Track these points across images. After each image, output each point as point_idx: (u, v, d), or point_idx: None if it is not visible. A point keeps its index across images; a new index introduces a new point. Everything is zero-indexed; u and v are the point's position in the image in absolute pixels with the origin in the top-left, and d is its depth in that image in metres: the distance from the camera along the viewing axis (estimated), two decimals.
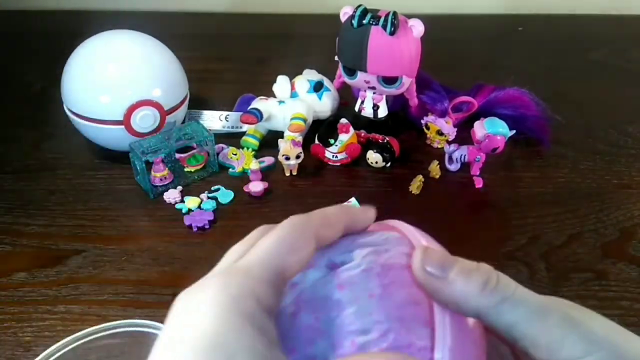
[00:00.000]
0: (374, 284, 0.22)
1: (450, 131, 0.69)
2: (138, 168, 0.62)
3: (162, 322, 0.27)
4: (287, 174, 0.67)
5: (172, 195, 0.63)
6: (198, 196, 0.63)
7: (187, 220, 0.60)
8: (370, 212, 0.26)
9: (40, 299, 0.52)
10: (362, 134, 0.69)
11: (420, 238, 0.25)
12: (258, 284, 0.20)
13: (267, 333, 0.19)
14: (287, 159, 0.65)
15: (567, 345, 0.21)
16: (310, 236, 0.22)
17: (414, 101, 0.71)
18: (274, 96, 0.72)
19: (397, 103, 0.73)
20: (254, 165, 0.64)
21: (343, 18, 0.66)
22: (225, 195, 0.63)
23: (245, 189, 0.64)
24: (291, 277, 0.22)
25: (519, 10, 1.08)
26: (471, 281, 0.22)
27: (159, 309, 0.51)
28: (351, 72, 0.68)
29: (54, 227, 0.60)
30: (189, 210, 0.61)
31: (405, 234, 0.26)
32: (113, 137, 0.64)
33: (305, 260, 0.22)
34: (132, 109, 0.62)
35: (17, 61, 0.92)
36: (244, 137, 0.71)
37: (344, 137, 0.67)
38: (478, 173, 0.66)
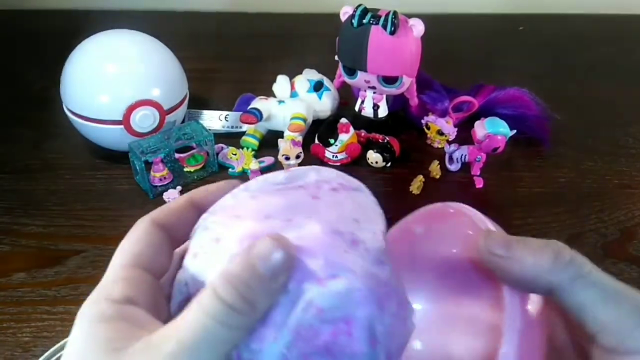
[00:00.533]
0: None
1: (451, 131, 0.68)
2: (137, 168, 0.62)
3: None
4: None
5: (171, 195, 0.63)
6: None
7: None
8: (225, 183, 0.27)
9: (39, 300, 0.52)
10: (362, 134, 0.69)
11: (487, 222, 0.25)
12: (108, 286, 0.22)
13: (127, 317, 0.21)
14: (287, 159, 0.64)
15: (636, 336, 0.21)
16: (148, 225, 0.25)
17: (414, 101, 0.71)
18: (274, 96, 0.72)
19: (397, 103, 0.73)
20: (253, 165, 0.64)
21: (343, 18, 0.66)
22: None
23: None
24: (148, 261, 0.24)
25: (520, 9, 1.08)
26: (541, 256, 0.22)
27: None
28: (351, 72, 0.68)
29: (54, 227, 0.60)
30: None
31: (472, 217, 0.26)
32: (112, 137, 0.64)
33: (154, 244, 0.24)
34: (131, 108, 0.62)
35: (17, 61, 0.92)
36: (244, 137, 0.70)
37: (344, 137, 0.67)
38: (478, 173, 0.66)
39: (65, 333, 0.43)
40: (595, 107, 0.80)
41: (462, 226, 0.26)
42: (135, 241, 0.24)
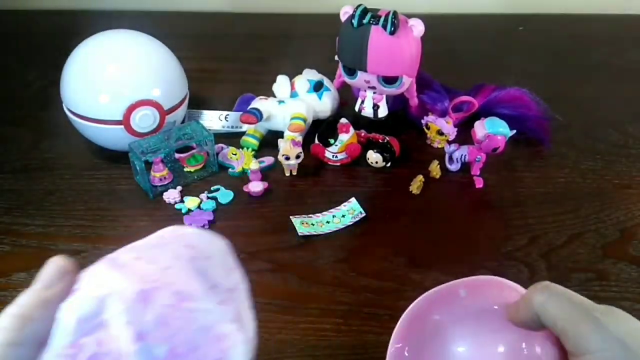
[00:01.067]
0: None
1: (451, 131, 0.68)
2: (137, 168, 0.62)
3: None
4: (287, 174, 0.66)
5: (171, 195, 0.63)
6: (198, 196, 0.63)
7: (186, 221, 0.60)
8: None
9: None
10: (362, 134, 0.69)
11: (518, 288, 0.34)
12: None
13: None
14: (287, 159, 0.64)
15: (586, 340, 0.27)
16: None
17: (414, 101, 0.71)
18: (274, 96, 0.72)
19: (397, 103, 0.73)
20: (253, 165, 0.64)
21: (343, 18, 0.66)
22: (225, 196, 0.63)
23: (245, 189, 0.64)
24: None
25: (520, 9, 1.08)
26: (528, 292, 0.30)
27: None
28: (351, 72, 0.68)
29: (53, 227, 0.60)
30: (189, 211, 0.61)
31: (510, 286, 0.34)
32: (112, 137, 0.64)
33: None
34: (131, 108, 0.62)
35: (17, 61, 0.92)
36: (244, 137, 0.70)
37: (344, 137, 0.67)
38: (478, 173, 0.66)
39: None
40: (595, 107, 0.80)
41: (502, 290, 0.34)
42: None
